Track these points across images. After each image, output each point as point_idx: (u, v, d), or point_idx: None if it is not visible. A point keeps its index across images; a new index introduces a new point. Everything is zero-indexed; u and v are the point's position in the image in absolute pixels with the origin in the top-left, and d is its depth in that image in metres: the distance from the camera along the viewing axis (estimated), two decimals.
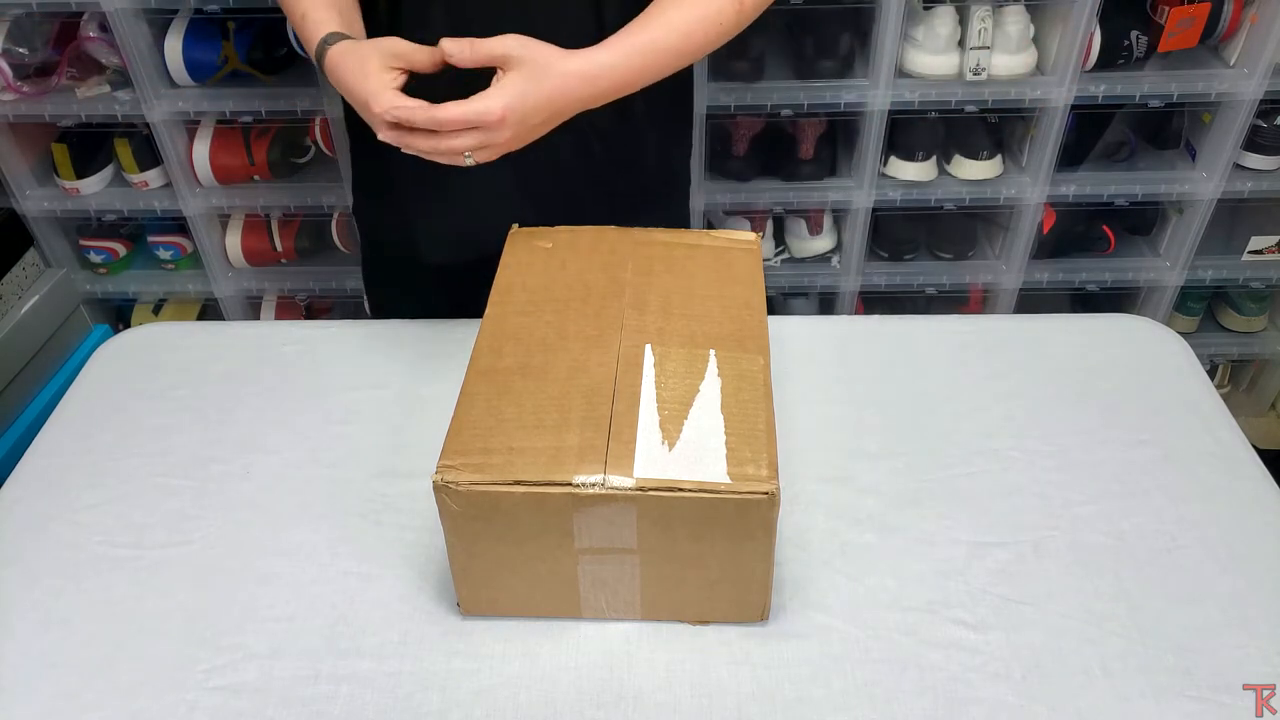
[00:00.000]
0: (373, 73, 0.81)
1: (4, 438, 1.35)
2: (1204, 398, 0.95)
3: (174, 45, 1.50)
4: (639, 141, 1.01)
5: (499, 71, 0.79)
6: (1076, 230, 1.73)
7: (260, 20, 1.53)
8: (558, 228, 0.91)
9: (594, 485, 0.66)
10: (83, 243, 1.74)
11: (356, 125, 0.94)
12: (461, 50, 0.79)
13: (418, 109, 0.78)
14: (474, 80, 0.80)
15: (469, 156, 0.80)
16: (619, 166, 1.01)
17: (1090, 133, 1.63)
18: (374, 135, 0.82)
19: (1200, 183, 1.61)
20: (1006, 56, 1.49)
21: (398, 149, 0.82)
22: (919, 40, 1.49)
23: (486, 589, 0.74)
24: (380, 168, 1.03)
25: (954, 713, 0.69)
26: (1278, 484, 0.87)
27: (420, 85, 0.82)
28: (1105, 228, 1.74)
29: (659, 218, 0.97)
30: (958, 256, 1.75)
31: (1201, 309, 1.88)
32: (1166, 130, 1.66)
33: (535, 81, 0.79)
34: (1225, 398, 0.96)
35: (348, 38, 0.85)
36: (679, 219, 1.14)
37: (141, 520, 0.85)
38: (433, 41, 0.81)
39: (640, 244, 0.89)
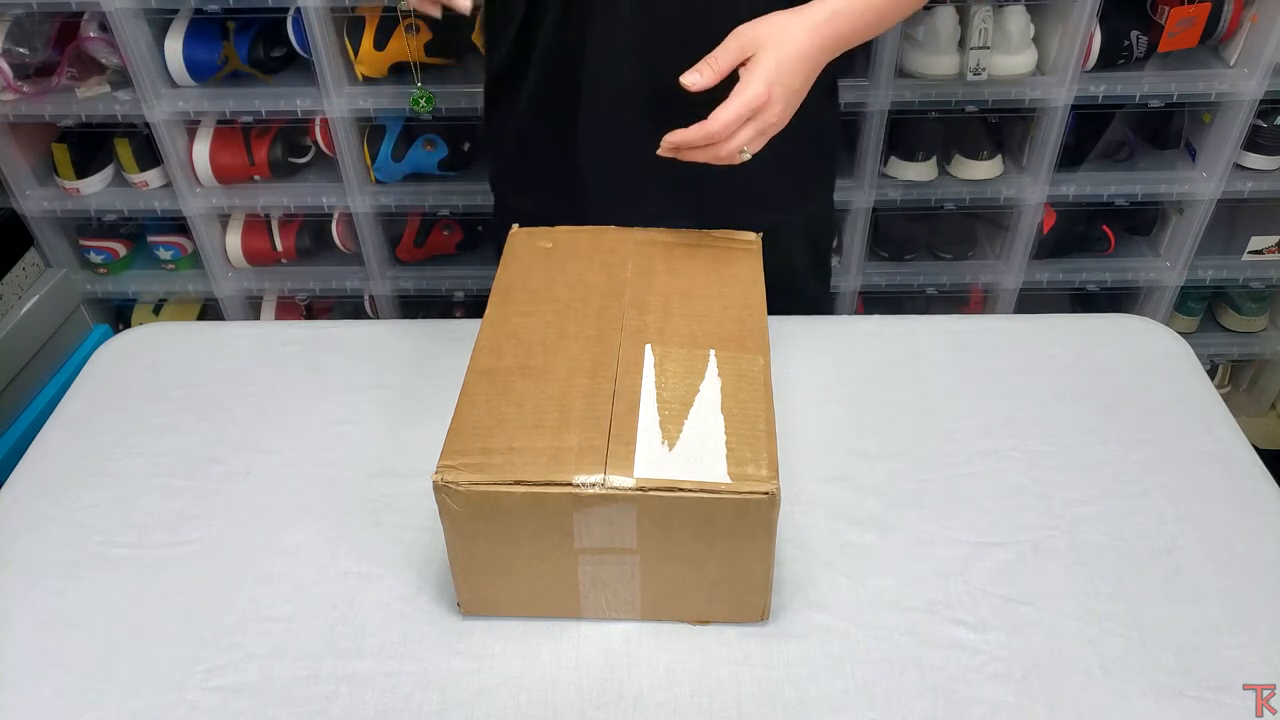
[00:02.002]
0: None
1: (4, 438, 1.35)
2: (1204, 398, 0.95)
3: (174, 45, 1.50)
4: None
5: (744, 65, 0.81)
6: (1076, 230, 1.73)
7: (260, 20, 1.53)
8: (558, 228, 0.91)
9: (594, 485, 0.66)
10: (83, 243, 1.74)
11: (500, 125, 0.99)
12: (701, 76, 0.80)
13: (693, 131, 0.80)
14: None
15: (745, 152, 0.82)
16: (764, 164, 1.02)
17: (1090, 133, 1.63)
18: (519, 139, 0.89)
19: (1200, 183, 1.61)
20: (1006, 56, 1.48)
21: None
22: (919, 40, 1.49)
23: (486, 589, 0.74)
24: (526, 171, 1.06)
25: (954, 713, 0.69)
26: (1278, 484, 0.87)
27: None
28: (1105, 228, 1.74)
29: (803, 213, 1.02)
30: (958, 256, 1.75)
31: (1201, 309, 1.87)
32: (1166, 130, 1.66)
33: (781, 47, 0.80)
34: (1225, 398, 0.96)
35: None
36: (825, 211, 1.14)
37: (141, 520, 0.85)
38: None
39: (640, 244, 0.89)
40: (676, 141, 0.81)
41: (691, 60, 0.80)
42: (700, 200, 0.99)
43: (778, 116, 0.82)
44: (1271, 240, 1.72)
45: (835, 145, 1.11)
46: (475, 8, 0.81)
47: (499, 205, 1.14)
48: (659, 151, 0.82)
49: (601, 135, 0.96)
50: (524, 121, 1.02)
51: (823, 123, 1.05)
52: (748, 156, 0.83)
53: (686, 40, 0.83)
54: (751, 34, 0.81)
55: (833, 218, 1.19)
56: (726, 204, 0.99)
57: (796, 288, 1.12)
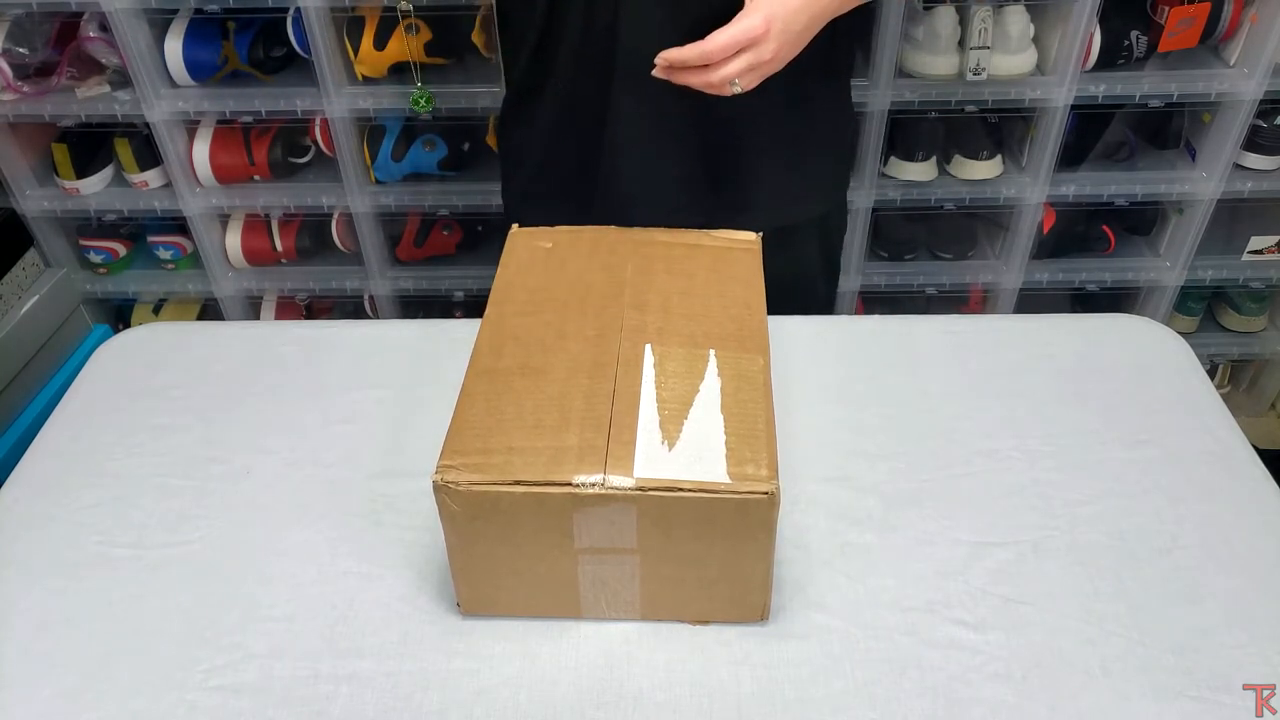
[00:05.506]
0: None
1: (4, 438, 1.35)
2: (1204, 398, 0.95)
3: (174, 45, 1.50)
4: (806, 94, 1.01)
5: None
6: (1076, 230, 1.73)
7: (260, 20, 1.53)
8: (557, 228, 0.91)
9: (594, 485, 0.66)
10: (83, 243, 1.75)
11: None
12: None
13: (688, 50, 0.80)
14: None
15: (736, 84, 0.82)
16: (785, 120, 1.01)
17: (1090, 133, 1.63)
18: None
19: (1200, 183, 1.61)
20: (1006, 56, 1.49)
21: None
22: (919, 40, 1.49)
23: (486, 589, 0.74)
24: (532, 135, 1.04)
25: (954, 713, 0.69)
26: (1278, 484, 0.87)
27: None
28: (1105, 228, 1.74)
29: (820, 211, 1.02)
30: (958, 256, 1.75)
31: (1201, 309, 1.88)
32: (1166, 130, 1.66)
33: None
34: (1225, 398, 0.96)
35: None
36: (839, 211, 1.14)
37: (141, 520, 0.84)
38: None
39: (640, 244, 0.89)
40: (671, 59, 0.81)
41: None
42: (719, 197, 0.99)
43: (772, 53, 0.82)
44: (1271, 240, 1.72)
45: (849, 144, 1.11)
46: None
47: (511, 219, 1.14)
48: (654, 72, 0.83)
49: (628, 131, 0.95)
50: (546, 129, 1.02)
51: (839, 119, 1.04)
52: (739, 89, 0.83)
53: (721, 15, 0.82)
54: None
55: (845, 217, 1.19)
56: (747, 202, 0.99)
57: (808, 287, 1.12)
